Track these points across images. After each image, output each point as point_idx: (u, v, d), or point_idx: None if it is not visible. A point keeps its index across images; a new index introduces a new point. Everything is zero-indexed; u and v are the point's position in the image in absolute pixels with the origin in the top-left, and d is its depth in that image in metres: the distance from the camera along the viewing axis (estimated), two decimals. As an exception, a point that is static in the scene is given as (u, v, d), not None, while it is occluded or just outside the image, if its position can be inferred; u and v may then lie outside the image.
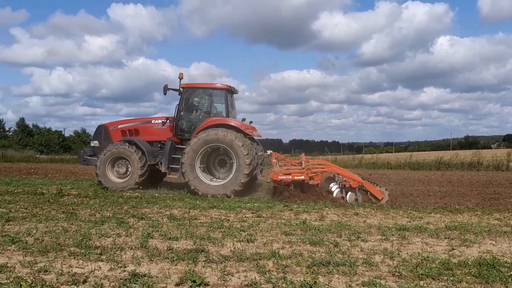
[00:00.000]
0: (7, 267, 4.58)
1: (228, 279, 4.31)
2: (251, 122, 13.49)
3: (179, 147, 12.25)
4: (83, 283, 4.13)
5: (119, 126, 13.76)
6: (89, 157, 13.52)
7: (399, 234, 6.47)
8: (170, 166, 12.19)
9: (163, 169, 12.27)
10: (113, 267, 4.66)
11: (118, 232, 6.40)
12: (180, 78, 12.73)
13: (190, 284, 4.11)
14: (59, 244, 5.59)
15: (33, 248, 5.40)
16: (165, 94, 12.53)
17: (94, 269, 4.56)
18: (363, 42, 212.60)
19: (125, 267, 4.66)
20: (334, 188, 10.53)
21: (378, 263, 4.91)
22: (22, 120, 70.93)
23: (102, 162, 12.55)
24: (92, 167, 13.47)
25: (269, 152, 12.88)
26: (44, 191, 11.33)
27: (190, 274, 4.33)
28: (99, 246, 5.52)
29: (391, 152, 63.04)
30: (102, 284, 4.07)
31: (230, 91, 12.88)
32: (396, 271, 4.60)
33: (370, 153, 42.85)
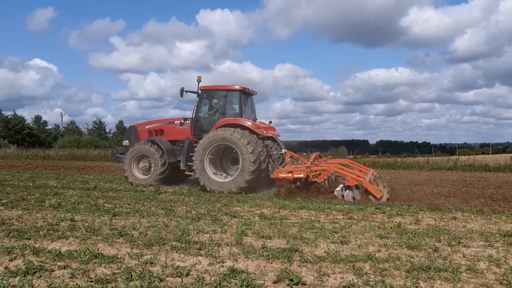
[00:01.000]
0: (118, 258, 4.97)
1: (325, 279, 4.31)
2: (270, 122, 14.37)
3: (195, 145, 12.71)
4: (186, 276, 4.36)
5: (146, 127, 14.94)
6: (120, 155, 14.66)
7: (504, 241, 6.03)
8: (188, 163, 12.85)
9: (181, 166, 13.06)
10: (212, 262, 4.86)
11: (214, 228, 6.66)
12: (198, 81, 13.53)
13: (288, 283, 4.17)
14: (161, 238, 5.95)
15: (139, 241, 5.80)
16: (181, 96, 13.50)
17: (195, 263, 4.80)
18: (456, 37, 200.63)
19: (223, 262, 4.84)
20: (340, 186, 10.63)
21: (483, 270, 4.63)
22: (120, 122, 76.09)
23: (128, 160, 13.79)
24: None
25: (283, 151, 13.15)
26: (143, 189, 12.08)
27: (287, 273, 4.39)
28: (197, 242, 5.79)
29: (488, 154, 58.84)
30: (203, 278, 4.27)
31: (245, 92, 13.44)
32: (504, 279, 4.31)
33: (465, 155, 40.30)
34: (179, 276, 4.33)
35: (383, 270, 4.59)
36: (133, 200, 9.72)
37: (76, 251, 5.19)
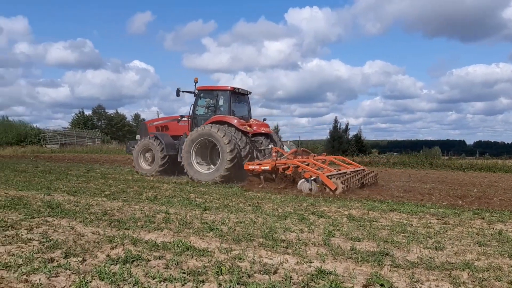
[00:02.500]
0: (208, 251, 5.13)
1: (418, 286, 4.09)
2: (264, 119, 15.87)
3: None
4: (274, 274, 4.38)
5: (154, 123, 17.01)
6: (132, 148, 16.55)
7: None
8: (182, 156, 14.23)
9: (178, 159, 14.42)
10: (299, 261, 4.84)
11: (301, 227, 6.64)
12: (195, 82, 15.14)
13: None
14: (249, 234, 6.05)
15: (227, 236, 5.95)
16: (177, 96, 15.08)
17: (282, 261, 4.81)
18: None
19: (311, 262, 4.80)
20: (302, 180, 11.46)
21: None
22: (210, 120, 78.51)
23: (136, 152, 15.90)
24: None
25: (270, 146, 14.35)
26: (232, 185, 12.41)
27: (377, 277, 4.24)
28: (284, 240, 5.80)
29: None
30: (291, 277, 4.26)
31: (236, 92, 14.97)
32: None
33: None
34: (266, 273, 4.37)
35: (482, 280, 4.26)
36: (222, 196, 10.01)
37: (170, 242, 5.45)
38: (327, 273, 4.38)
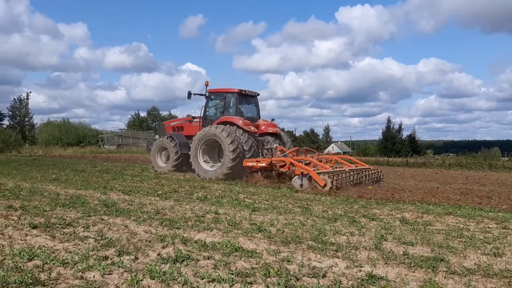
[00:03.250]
0: (256, 252, 5.13)
1: (476, 295, 3.90)
2: (272, 119, 16.70)
3: None
4: (323, 277, 4.31)
5: (171, 124, 18.19)
6: (151, 147, 17.81)
7: None
8: None
9: (191, 158, 15.27)
10: (349, 265, 4.74)
11: (351, 230, 6.50)
12: (206, 85, 16.44)
13: (432, 295, 3.86)
14: (298, 236, 6.00)
15: (276, 237, 5.93)
16: (189, 98, 16.29)
17: (332, 265, 4.72)
18: None
19: (361, 267, 4.68)
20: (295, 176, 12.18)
21: None
22: (260, 121, 78.92)
23: (153, 151, 17.38)
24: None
25: (275, 145, 14.97)
26: (280, 186, 12.37)
27: (431, 284, 4.07)
28: (334, 243, 5.70)
29: None
30: (340, 281, 4.17)
31: (242, 94, 15.73)
32: None
33: None
34: (315, 277, 4.31)
35: (548, 292, 3.99)
36: (271, 197, 10.00)
37: (219, 243, 5.50)
38: (378, 278, 4.25)
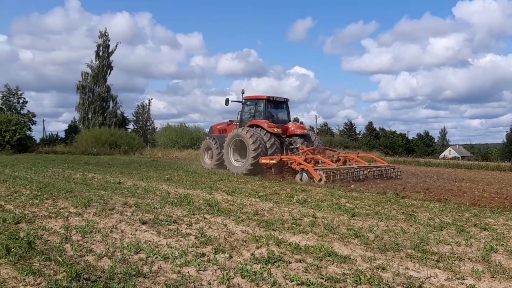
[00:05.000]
0: (350, 259, 5.00)
1: None
2: (301, 122, 18.83)
3: None
4: (418, 288, 4.07)
5: (218, 127, 20.73)
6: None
7: None
8: None
9: None
10: (450, 277, 4.41)
11: (458, 240, 6.03)
12: (243, 93, 18.74)
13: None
14: (397, 244, 5.72)
15: (373, 244, 5.72)
16: (226, 105, 18.79)
17: (430, 276, 4.43)
18: None
19: (463, 279, 4.33)
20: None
21: None
22: (370, 124, 76.94)
23: (201, 150, 20.57)
24: None
25: (298, 145, 16.96)
26: (385, 191, 11.88)
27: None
28: (436, 253, 5.34)
29: None
30: (437, 293, 3.90)
31: (270, 100, 17.83)
32: None
33: None
34: (409, 287, 4.08)
35: None
36: (374, 202, 9.66)
37: (312, 246, 5.46)
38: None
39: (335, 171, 14.02)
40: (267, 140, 16.24)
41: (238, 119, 18.75)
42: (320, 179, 13.23)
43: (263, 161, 15.65)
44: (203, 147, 20.31)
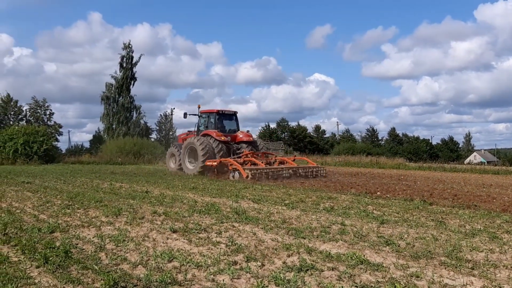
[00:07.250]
0: (383, 266, 4.99)
1: None
2: (247, 131, 22.16)
3: None
4: (455, 296, 4.03)
5: (181, 136, 24.11)
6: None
7: None
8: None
9: None
10: (486, 284, 4.36)
11: (491, 247, 5.95)
12: (198, 107, 22.35)
13: None
14: (429, 251, 5.67)
15: (405, 252, 5.68)
16: (185, 118, 22.47)
17: (466, 283, 4.39)
18: None
19: (500, 287, 4.28)
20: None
21: None
22: (392, 129, 76.16)
23: (167, 156, 24.02)
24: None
25: (243, 150, 20.47)
26: (413, 198, 11.75)
27: None
28: (470, 260, 5.28)
29: None
30: (475, 302, 3.86)
31: (220, 113, 21.55)
32: None
33: None
34: (446, 295, 4.05)
35: None
36: (402, 209, 9.57)
37: (344, 254, 5.46)
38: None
39: (261, 170, 17.38)
40: (216, 147, 19.74)
41: (196, 129, 22.24)
42: (247, 176, 16.70)
43: (208, 163, 19.19)
44: (168, 153, 23.70)
